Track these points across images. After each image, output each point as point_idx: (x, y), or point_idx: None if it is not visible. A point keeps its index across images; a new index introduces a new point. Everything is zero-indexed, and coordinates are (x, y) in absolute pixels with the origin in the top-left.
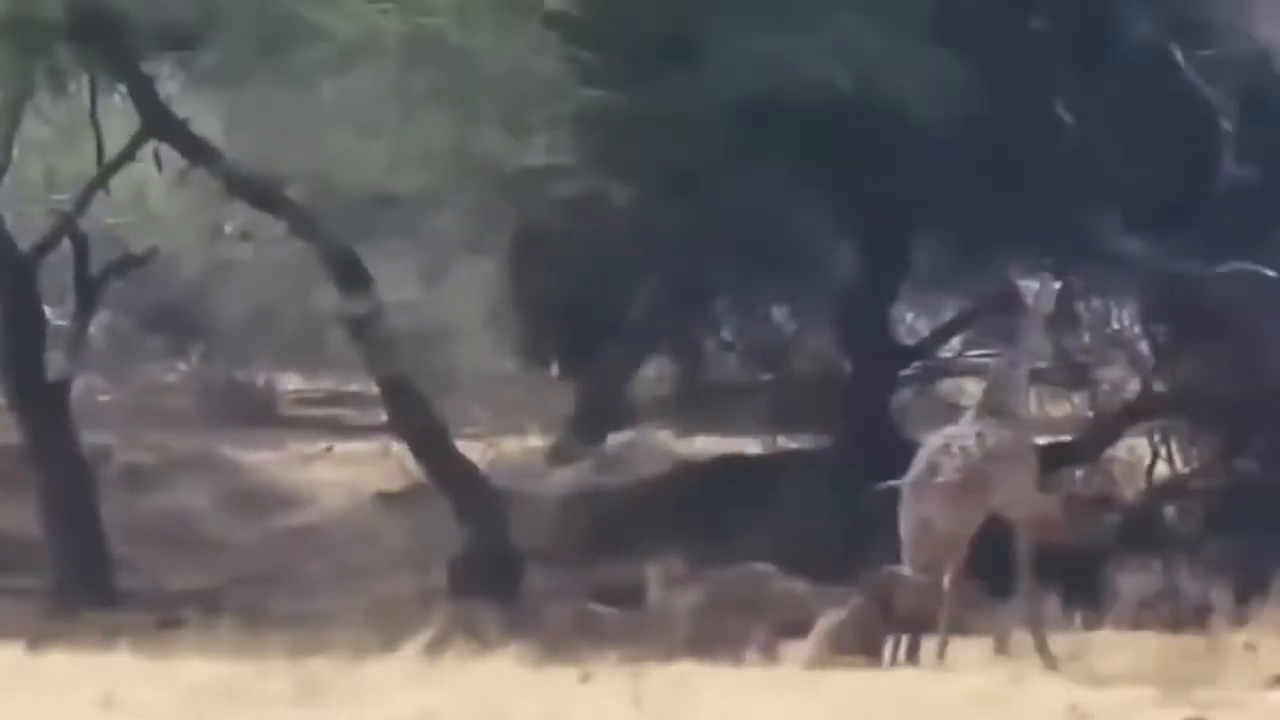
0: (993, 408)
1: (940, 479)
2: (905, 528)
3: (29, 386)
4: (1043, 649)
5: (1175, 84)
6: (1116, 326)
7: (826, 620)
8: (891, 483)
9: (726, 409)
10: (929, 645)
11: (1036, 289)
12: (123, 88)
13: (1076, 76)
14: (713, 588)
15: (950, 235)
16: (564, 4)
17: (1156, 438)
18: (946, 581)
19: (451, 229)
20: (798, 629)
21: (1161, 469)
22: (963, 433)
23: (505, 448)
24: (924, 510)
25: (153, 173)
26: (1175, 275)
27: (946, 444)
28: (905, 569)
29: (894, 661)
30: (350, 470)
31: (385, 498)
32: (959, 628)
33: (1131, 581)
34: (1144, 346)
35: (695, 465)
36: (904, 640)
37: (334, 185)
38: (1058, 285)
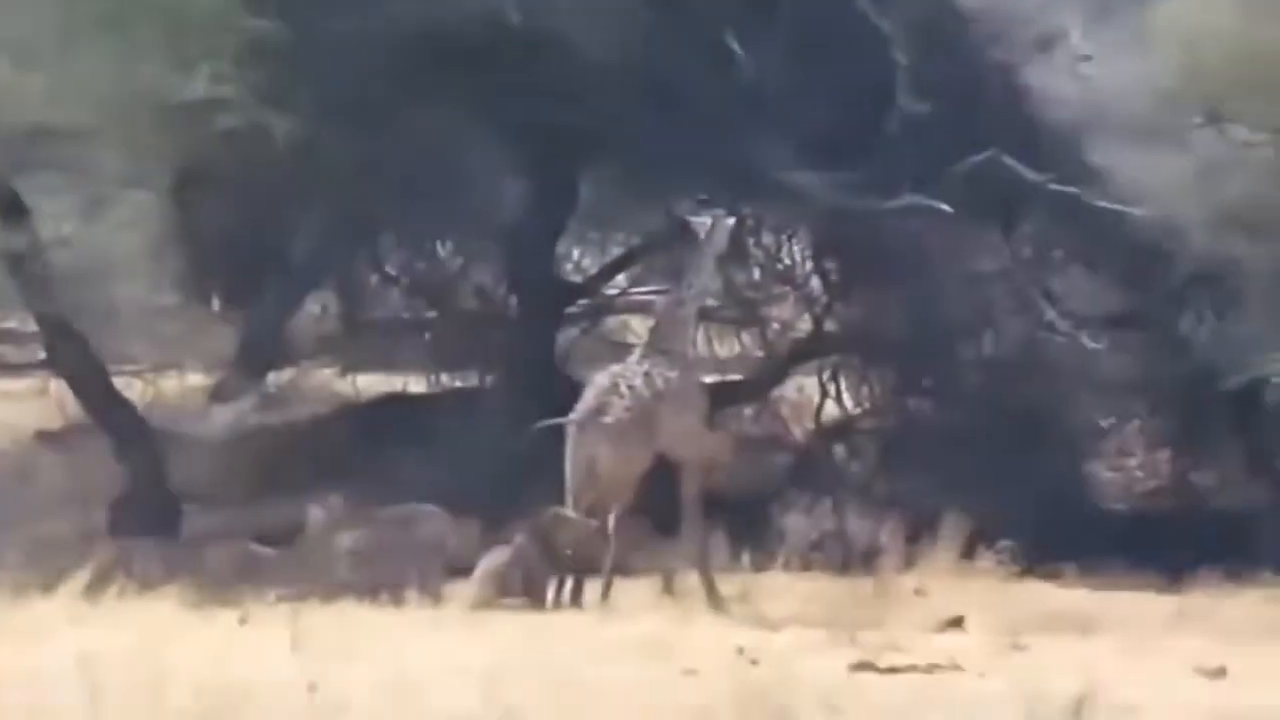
0: (660, 346)
1: (607, 419)
2: (571, 467)
3: None
4: (710, 591)
5: (848, 16)
6: (787, 262)
7: (489, 561)
8: (556, 420)
9: (391, 346)
10: (595, 587)
11: (708, 225)
12: None
13: (747, 8)
14: (374, 528)
15: (618, 170)
16: None
17: (826, 376)
18: (612, 522)
19: (111, 163)
20: (462, 570)
21: (831, 409)
22: (630, 371)
23: (165, 386)
24: (589, 450)
25: None
26: (847, 210)
27: (614, 383)
28: (569, 510)
29: (558, 603)
30: (8, 408)
31: (44, 436)
32: (625, 569)
33: (800, 522)
34: (815, 283)
35: (359, 404)
36: (569, 582)
37: None
38: (730, 222)
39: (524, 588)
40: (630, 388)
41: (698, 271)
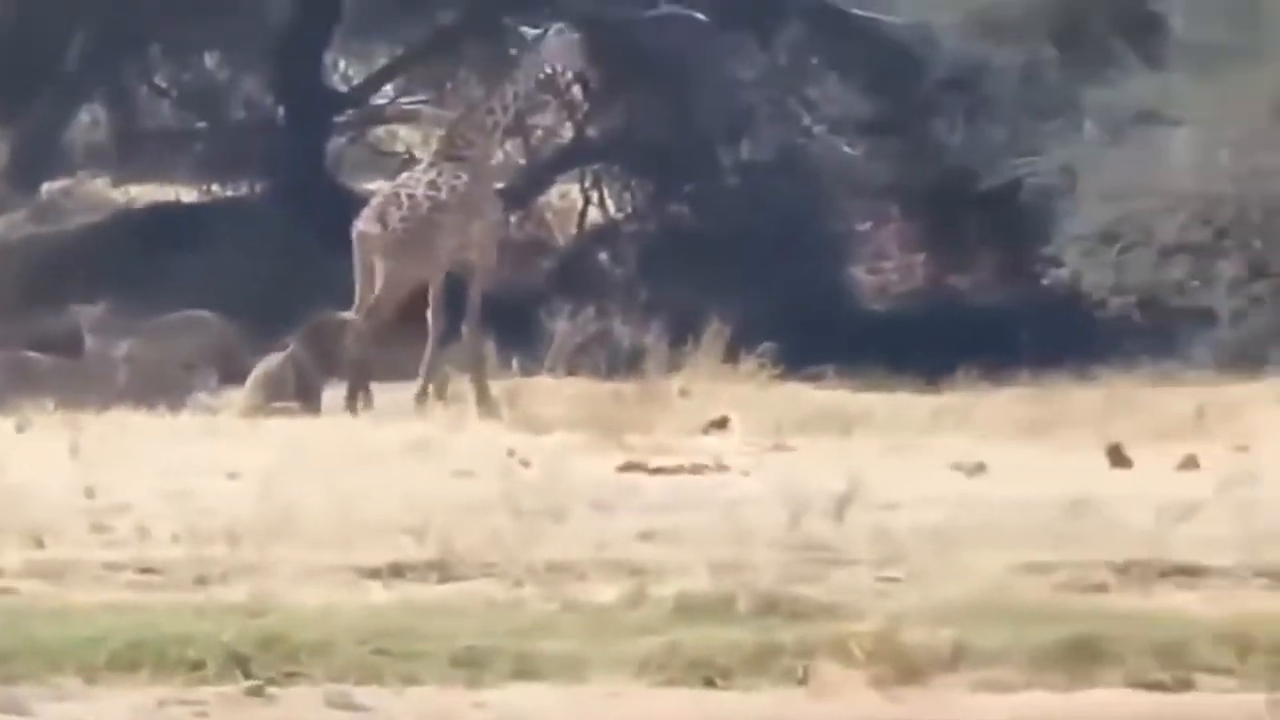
0: (455, 153)
1: (383, 229)
2: (356, 275)
3: None
4: (482, 395)
5: None
6: (549, 71)
7: (263, 367)
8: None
9: (162, 156)
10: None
11: (542, 35)
12: None
13: None
14: (148, 334)
15: None
16: None
17: (588, 183)
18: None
19: None
20: (237, 376)
21: (594, 215)
22: (413, 180)
23: None
24: (366, 259)
25: None
26: (606, 20)
27: (395, 192)
28: (348, 313)
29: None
30: None
31: None
32: (399, 374)
33: (566, 327)
34: (576, 91)
35: (131, 213)
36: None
37: None
38: (575, 37)
39: (297, 392)
40: (410, 197)
41: (525, 81)
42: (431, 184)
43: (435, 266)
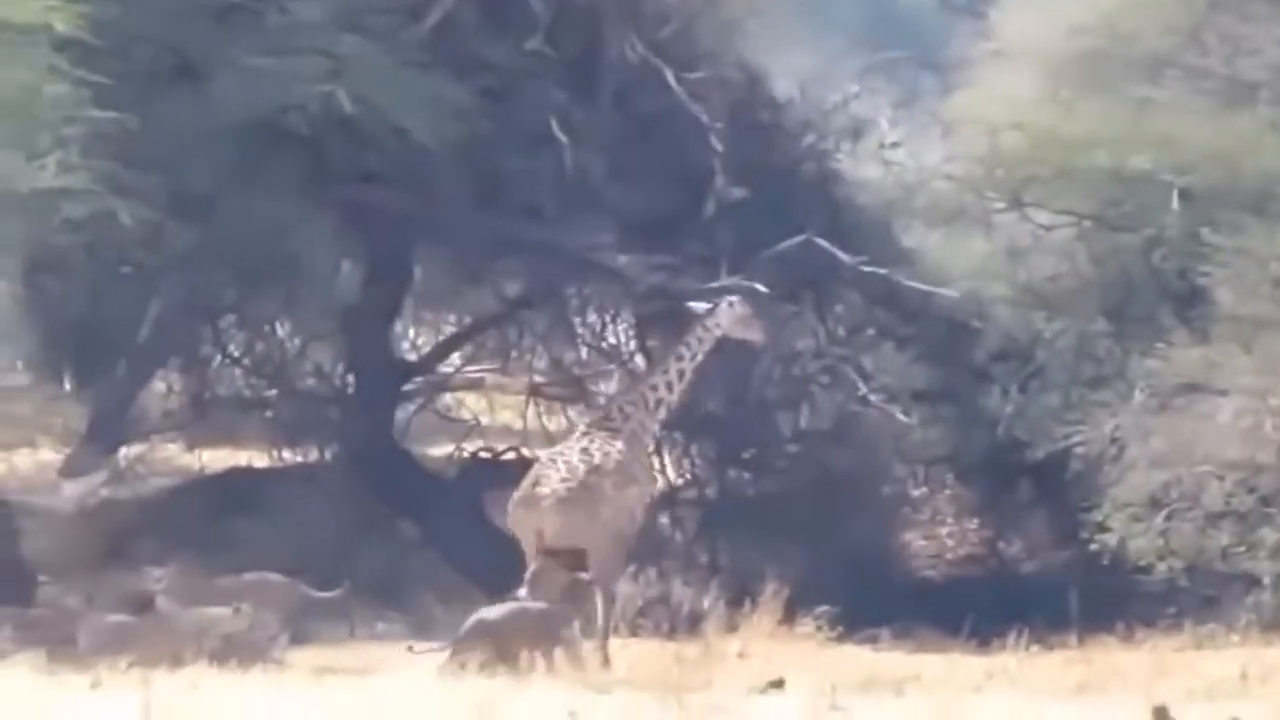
0: (610, 425)
1: (549, 493)
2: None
3: None
4: (605, 658)
5: (668, 105)
6: (612, 341)
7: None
8: None
9: (234, 423)
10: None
11: (717, 310)
12: None
13: (571, 98)
14: (219, 595)
15: (449, 253)
16: (72, 28)
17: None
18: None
19: None
20: (304, 637)
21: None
22: (567, 449)
23: (17, 461)
24: (535, 523)
25: None
26: (668, 291)
27: (552, 459)
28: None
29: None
30: None
31: None
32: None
33: (627, 589)
34: (639, 360)
35: (204, 478)
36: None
37: None
38: (738, 306)
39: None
40: (567, 463)
41: (694, 355)
42: (585, 451)
43: (596, 531)
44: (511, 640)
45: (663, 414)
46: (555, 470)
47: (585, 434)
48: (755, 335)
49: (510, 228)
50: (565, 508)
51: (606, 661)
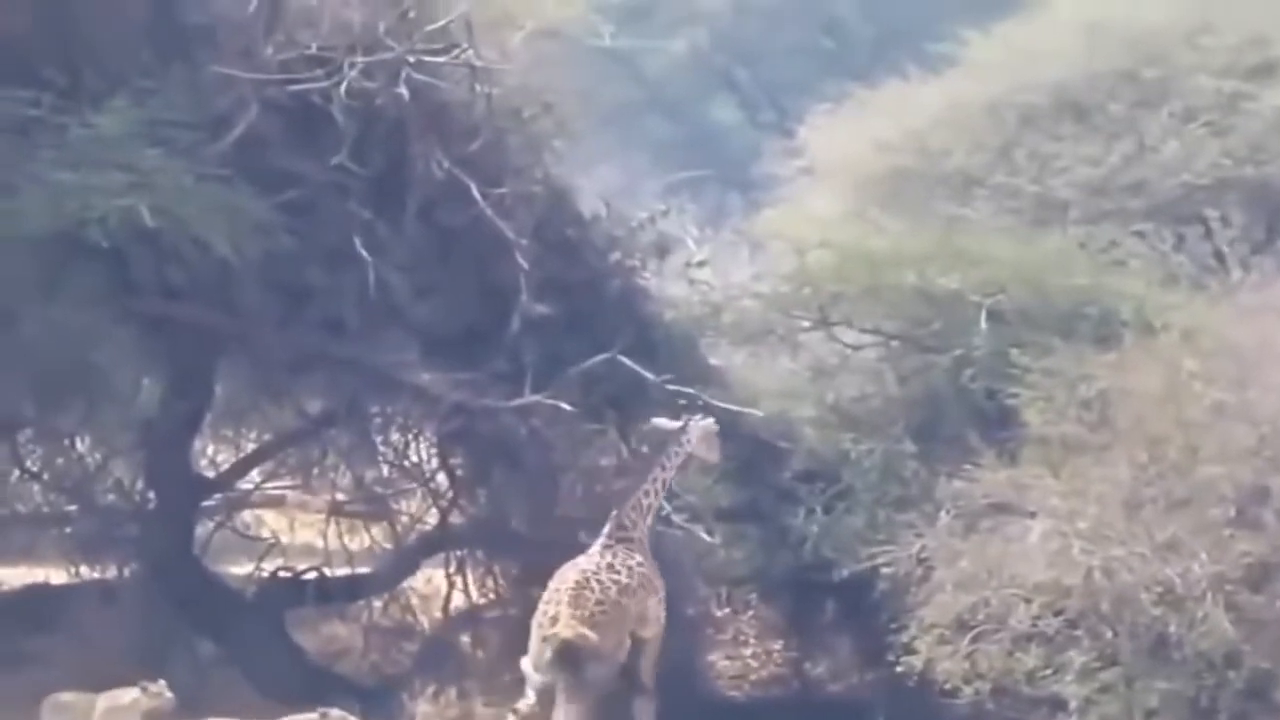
0: (622, 536)
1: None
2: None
3: None
4: None
5: (473, 221)
6: (415, 459)
7: None
8: None
9: (32, 539)
10: None
11: (688, 428)
12: None
13: (375, 214)
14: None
15: (252, 368)
16: None
17: (453, 569)
18: None
19: None
20: None
21: (458, 599)
22: (597, 565)
23: None
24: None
25: None
26: (472, 408)
27: (585, 578)
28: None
29: None
30: None
31: None
32: None
33: (426, 709)
34: (442, 478)
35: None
36: None
37: None
38: (708, 423)
39: None
40: (600, 583)
41: (668, 471)
42: (611, 567)
43: (619, 646)
44: None
45: (651, 520)
46: (591, 592)
47: (607, 548)
48: (714, 456)
49: (313, 344)
50: (600, 632)
51: None
